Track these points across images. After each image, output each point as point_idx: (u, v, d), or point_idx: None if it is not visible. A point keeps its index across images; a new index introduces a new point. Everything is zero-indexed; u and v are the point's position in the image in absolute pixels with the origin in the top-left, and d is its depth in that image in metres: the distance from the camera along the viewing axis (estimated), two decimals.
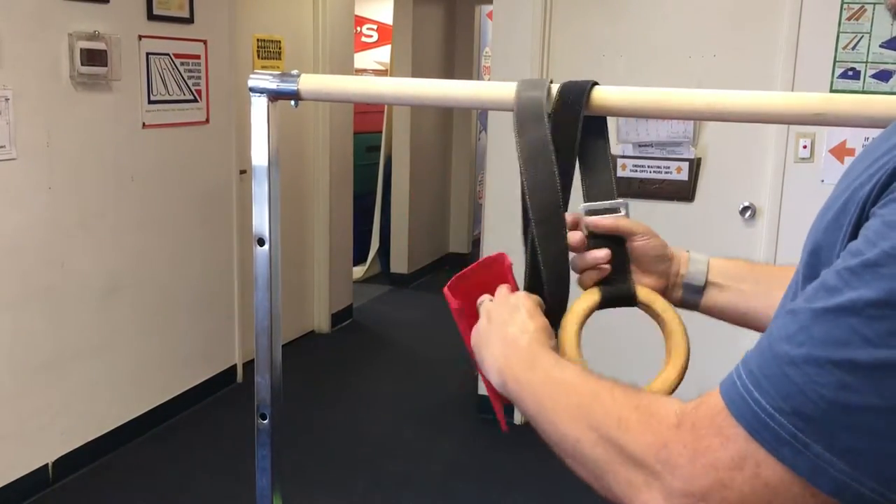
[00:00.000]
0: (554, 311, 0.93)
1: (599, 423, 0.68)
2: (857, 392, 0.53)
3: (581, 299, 0.94)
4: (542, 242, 0.92)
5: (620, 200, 0.94)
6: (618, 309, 0.96)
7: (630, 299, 0.94)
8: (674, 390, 0.90)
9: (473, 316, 0.95)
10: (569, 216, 0.94)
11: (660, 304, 0.94)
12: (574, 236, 0.96)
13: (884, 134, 0.71)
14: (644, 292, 0.94)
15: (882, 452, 0.53)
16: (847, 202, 0.65)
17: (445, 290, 0.98)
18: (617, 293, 0.93)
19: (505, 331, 0.85)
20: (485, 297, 0.95)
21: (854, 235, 0.61)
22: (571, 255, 0.96)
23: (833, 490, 0.55)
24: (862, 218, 0.61)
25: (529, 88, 0.93)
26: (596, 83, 0.92)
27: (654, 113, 0.89)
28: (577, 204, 0.97)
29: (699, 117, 0.93)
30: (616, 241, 0.96)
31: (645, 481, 0.63)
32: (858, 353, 0.54)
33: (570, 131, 0.91)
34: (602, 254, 0.95)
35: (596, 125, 0.94)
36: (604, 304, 0.94)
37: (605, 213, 0.95)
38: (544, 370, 0.78)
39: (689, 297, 1.01)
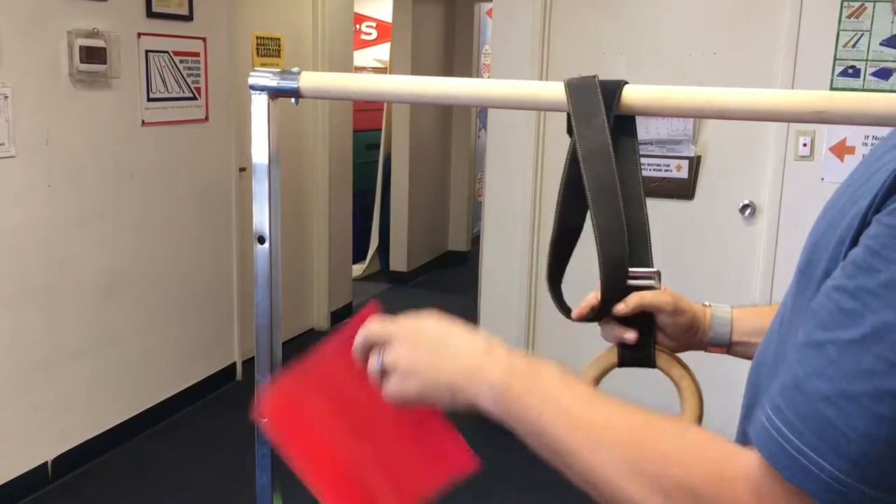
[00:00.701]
0: (609, 298, 0.94)
1: (660, 482, 0.62)
2: (893, 422, 0.52)
3: (601, 358, 0.97)
4: (605, 237, 0.91)
5: (654, 270, 0.95)
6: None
7: (648, 364, 0.96)
8: None
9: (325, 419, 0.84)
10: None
11: (676, 372, 0.95)
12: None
13: (886, 138, 0.71)
14: (663, 360, 0.96)
15: None
16: (845, 207, 0.65)
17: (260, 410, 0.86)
18: (636, 359, 0.95)
19: (454, 354, 0.79)
20: (372, 357, 0.82)
21: (856, 241, 0.60)
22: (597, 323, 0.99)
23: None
24: (865, 222, 0.60)
25: (581, 86, 0.92)
26: (626, 82, 0.92)
27: (654, 111, 0.89)
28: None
29: (699, 115, 0.92)
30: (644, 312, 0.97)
31: None
32: (889, 381, 0.52)
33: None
34: (630, 336, 0.96)
35: (626, 125, 0.93)
36: (622, 364, 0.96)
37: (639, 280, 0.95)
38: (556, 400, 0.71)
39: (716, 350, 1.02)
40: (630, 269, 0.93)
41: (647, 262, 0.94)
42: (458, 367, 0.77)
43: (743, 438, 0.80)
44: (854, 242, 0.60)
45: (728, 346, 1.01)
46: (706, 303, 1.03)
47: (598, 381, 0.98)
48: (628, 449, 0.65)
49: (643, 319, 0.96)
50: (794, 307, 0.71)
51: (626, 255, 0.92)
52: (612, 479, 0.65)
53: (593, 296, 0.97)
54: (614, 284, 0.93)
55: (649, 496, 0.62)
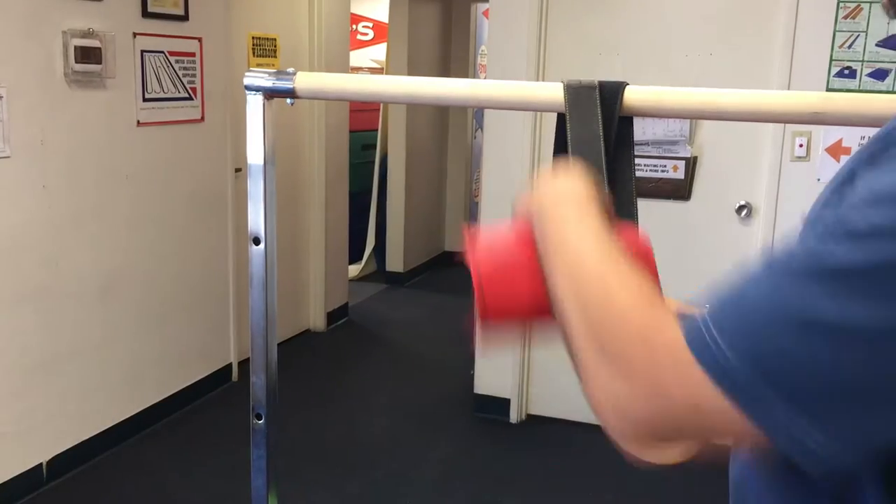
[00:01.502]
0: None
1: (586, 300, 0.69)
2: (802, 341, 0.57)
3: None
4: None
5: None
6: None
7: None
8: (695, 457, 0.94)
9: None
10: None
11: None
12: None
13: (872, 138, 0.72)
14: None
15: (811, 391, 0.57)
16: (837, 179, 0.68)
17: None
18: None
19: (559, 185, 0.83)
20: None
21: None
22: None
23: (760, 420, 0.58)
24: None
25: (579, 85, 0.93)
26: (627, 83, 0.92)
27: (652, 112, 0.89)
28: None
29: (697, 116, 0.92)
30: None
31: (602, 379, 0.66)
32: (815, 309, 0.57)
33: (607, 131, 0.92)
34: None
35: (624, 127, 0.93)
36: None
37: None
38: (576, 215, 0.77)
39: None
40: None
41: None
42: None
43: None
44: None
45: None
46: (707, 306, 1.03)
47: None
48: (588, 288, 0.70)
49: None
50: None
51: None
52: (568, 309, 0.71)
53: None
54: None
55: (585, 337, 0.68)
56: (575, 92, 0.91)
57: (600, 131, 0.90)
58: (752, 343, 0.59)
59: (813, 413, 0.57)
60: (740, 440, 0.64)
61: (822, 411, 0.57)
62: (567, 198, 0.79)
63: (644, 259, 0.81)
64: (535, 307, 0.78)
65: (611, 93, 0.90)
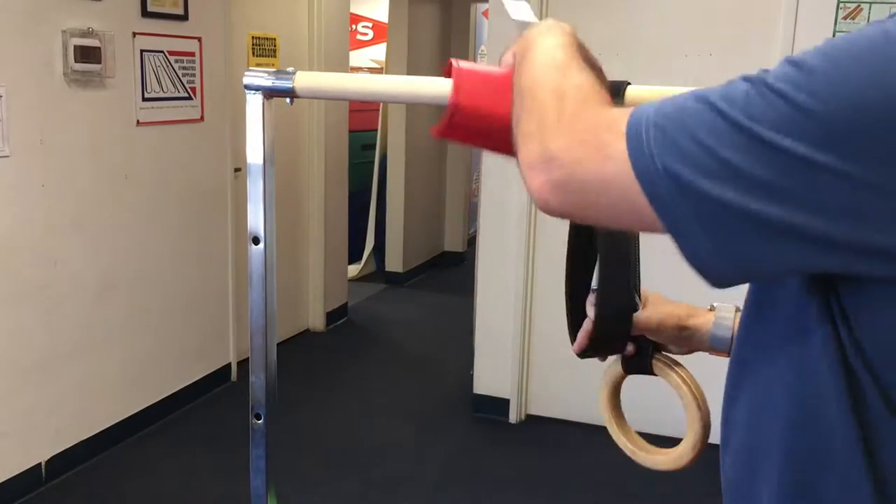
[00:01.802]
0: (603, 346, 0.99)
1: (550, 85, 0.76)
2: (714, 136, 0.62)
3: (610, 371, 1.02)
4: (607, 246, 0.94)
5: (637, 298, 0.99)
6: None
7: (648, 372, 1.00)
8: (688, 465, 0.96)
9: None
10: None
11: (673, 380, 0.98)
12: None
13: None
14: (660, 368, 0.99)
15: (705, 190, 0.62)
16: None
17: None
18: (638, 367, 1.00)
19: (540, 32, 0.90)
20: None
21: None
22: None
23: (651, 194, 0.64)
24: None
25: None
26: (629, 83, 0.93)
27: None
28: None
29: None
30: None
31: (539, 138, 0.72)
32: (736, 114, 0.62)
33: None
34: (628, 349, 1.01)
35: None
36: (627, 373, 1.01)
37: None
38: (544, 36, 0.87)
39: (718, 354, 1.04)
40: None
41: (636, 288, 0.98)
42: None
43: (725, 422, 0.81)
44: None
45: (729, 350, 1.01)
46: (713, 304, 1.04)
47: (616, 392, 1.03)
48: (543, 82, 0.77)
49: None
50: None
51: (634, 304, 0.97)
52: (523, 101, 0.78)
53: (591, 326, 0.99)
54: (612, 335, 0.98)
55: (534, 116, 0.74)
56: None
57: None
58: (674, 145, 0.63)
59: (708, 227, 0.63)
60: (637, 222, 0.69)
61: (716, 228, 0.62)
62: (544, 31, 0.88)
63: None
64: (502, 124, 0.82)
65: (612, 92, 0.90)
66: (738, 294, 0.81)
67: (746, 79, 0.64)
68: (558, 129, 0.70)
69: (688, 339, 1.02)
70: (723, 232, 0.63)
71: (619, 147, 0.66)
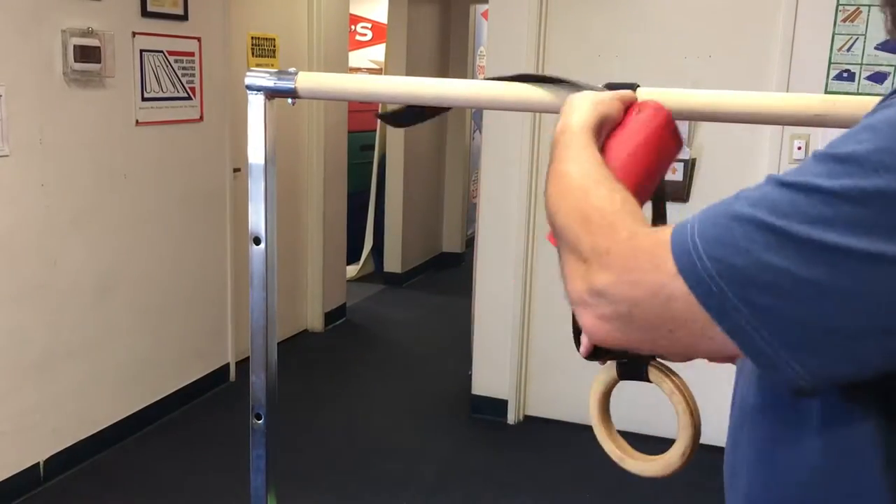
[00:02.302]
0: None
1: (570, 212, 0.74)
2: (780, 256, 0.58)
3: (602, 375, 1.01)
4: None
5: None
6: None
7: (642, 378, 0.99)
8: (676, 472, 0.95)
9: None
10: None
11: (666, 386, 0.97)
12: None
13: None
14: (654, 374, 0.98)
15: (785, 315, 0.59)
16: None
17: None
18: (632, 373, 0.98)
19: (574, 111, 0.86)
20: None
21: None
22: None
23: (730, 330, 0.61)
24: None
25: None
26: (638, 85, 0.92)
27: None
28: None
29: (700, 118, 0.92)
30: None
31: (581, 273, 0.69)
32: (796, 226, 0.58)
33: None
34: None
35: None
36: (621, 378, 1.00)
37: None
38: (566, 151, 0.81)
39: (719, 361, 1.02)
40: None
41: None
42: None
43: (734, 431, 0.80)
44: None
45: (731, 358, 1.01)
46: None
47: (606, 397, 1.02)
48: (573, 201, 0.75)
49: None
50: None
51: None
52: (559, 221, 0.76)
53: None
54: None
55: (564, 217, 0.74)
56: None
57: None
58: (741, 275, 0.60)
59: (785, 341, 0.59)
60: (714, 352, 0.65)
61: (795, 340, 0.59)
62: (567, 128, 0.83)
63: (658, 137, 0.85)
64: None
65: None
66: None
67: (784, 183, 0.61)
68: (598, 263, 0.68)
69: None
70: (813, 352, 0.59)
71: (678, 286, 0.62)
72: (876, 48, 3.19)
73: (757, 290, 0.59)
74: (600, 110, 0.83)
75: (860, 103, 0.81)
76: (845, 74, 3.24)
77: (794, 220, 0.58)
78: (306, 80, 1.02)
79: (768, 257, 0.59)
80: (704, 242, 0.62)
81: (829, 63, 3.25)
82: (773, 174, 0.64)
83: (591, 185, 0.74)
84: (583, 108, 0.84)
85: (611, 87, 0.91)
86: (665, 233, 0.65)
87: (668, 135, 0.84)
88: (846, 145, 0.60)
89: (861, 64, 3.22)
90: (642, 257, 0.66)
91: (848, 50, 3.22)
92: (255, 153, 1.06)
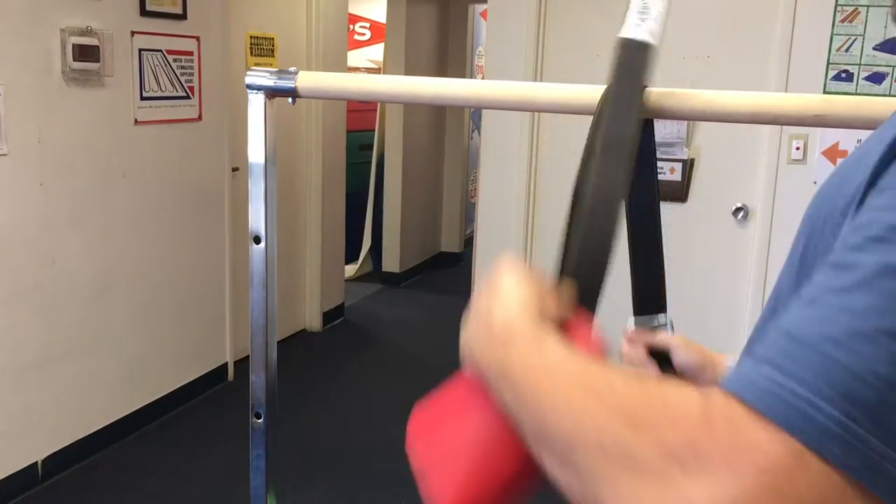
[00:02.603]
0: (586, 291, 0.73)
1: (598, 422, 0.51)
2: None
3: None
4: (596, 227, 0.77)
5: (663, 318, 1.00)
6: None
7: None
8: None
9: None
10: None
11: None
12: (630, 351, 1.03)
13: (876, 133, 0.70)
14: None
15: None
16: (843, 183, 0.60)
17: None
18: None
19: (488, 313, 0.67)
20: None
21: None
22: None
23: (892, 491, 0.43)
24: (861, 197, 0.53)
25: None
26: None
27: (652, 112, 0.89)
28: None
29: (700, 118, 0.92)
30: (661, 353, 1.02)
31: (658, 493, 0.46)
32: None
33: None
34: (652, 371, 1.01)
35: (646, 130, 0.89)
36: None
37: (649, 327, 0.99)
38: (521, 353, 0.60)
39: None
40: (640, 317, 0.96)
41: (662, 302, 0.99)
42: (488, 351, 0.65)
43: None
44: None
45: None
46: (728, 354, 1.04)
47: None
48: (597, 395, 0.53)
49: (662, 357, 1.02)
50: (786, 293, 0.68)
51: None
52: (569, 415, 0.53)
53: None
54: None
55: (574, 433, 0.52)
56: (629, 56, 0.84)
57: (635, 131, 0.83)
58: (844, 384, 0.44)
59: None
60: None
61: None
62: (509, 326, 0.63)
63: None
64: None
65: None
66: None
67: (868, 280, 0.46)
68: (684, 465, 0.46)
69: (709, 377, 1.02)
70: None
71: (817, 471, 0.43)
72: (874, 49, 3.20)
73: None
74: (535, 302, 0.64)
75: (860, 104, 0.81)
76: (843, 75, 3.24)
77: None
78: (307, 80, 1.02)
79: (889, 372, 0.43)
80: (808, 386, 0.44)
81: (828, 63, 3.26)
82: (799, 297, 0.49)
83: (600, 377, 0.53)
84: (514, 294, 0.66)
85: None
86: (728, 397, 0.47)
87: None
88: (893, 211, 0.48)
89: (859, 64, 3.22)
90: (747, 431, 0.45)
91: (846, 50, 3.23)
92: (256, 152, 1.06)
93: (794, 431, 0.44)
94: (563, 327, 0.64)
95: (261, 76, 1.03)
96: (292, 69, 1.03)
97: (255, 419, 1.13)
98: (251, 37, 4.40)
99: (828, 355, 0.45)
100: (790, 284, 0.68)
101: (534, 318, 0.63)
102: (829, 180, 0.69)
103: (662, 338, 1.01)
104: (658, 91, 0.86)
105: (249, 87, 1.04)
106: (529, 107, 0.98)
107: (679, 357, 1.01)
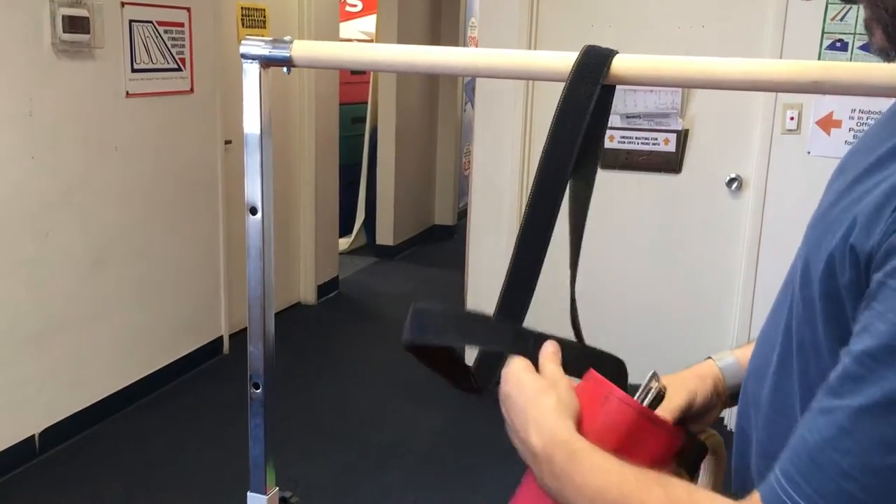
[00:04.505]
0: (510, 302, 0.85)
1: None
2: None
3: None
4: (528, 211, 0.83)
5: (649, 379, 0.82)
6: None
7: (704, 453, 0.89)
8: None
9: None
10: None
11: (722, 451, 0.93)
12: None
13: (879, 129, 0.70)
14: (712, 442, 0.91)
15: None
16: (837, 220, 0.64)
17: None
18: (693, 458, 0.87)
19: (526, 440, 0.78)
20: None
21: (855, 282, 0.59)
22: None
23: None
24: (860, 264, 0.59)
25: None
26: (616, 52, 0.86)
27: (651, 80, 0.89)
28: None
29: (693, 85, 0.92)
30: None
31: None
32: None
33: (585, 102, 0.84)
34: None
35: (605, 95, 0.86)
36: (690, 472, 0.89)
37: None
38: (561, 475, 0.73)
39: (736, 402, 0.96)
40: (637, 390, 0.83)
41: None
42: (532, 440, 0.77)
43: (738, 457, 0.81)
44: (855, 285, 0.59)
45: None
46: (709, 356, 1.00)
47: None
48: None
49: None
50: (786, 321, 0.72)
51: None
52: None
53: None
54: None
55: None
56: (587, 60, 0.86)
57: (591, 105, 0.84)
58: None
59: None
60: None
61: None
62: (554, 441, 0.74)
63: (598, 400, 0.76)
64: None
65: (596, 62, 0.85)
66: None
67: (866, 409, 0.54)
68: None
69: (719, 403, 0.97)
70: None
71: None
72: (860, 49, 3.18)
73: None
74: (566, 405, 0.75)
75: (858, 70, 0.81)
76: (838, 44, 3.23)
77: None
78: (302, 49, 1.01)
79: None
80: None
81: (823, 32, 3.25)
82: (819, 398, 0.58)
83: (635, 493, 0.66)
84: (551, 411, 0.75)
85: (591, 50, 0.87)
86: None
87: (648, 427, 0.75)
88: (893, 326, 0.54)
89: (854, 33, 3.21)
90: None
91: (841, 19, 3.21)
92: (251, 123, 1.06)
93: None
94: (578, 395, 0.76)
95: (255, 45, 1.02)
96: (287, 38, 1.03)
97: (253, 389, 1.13)
98: (242, 7, 4.35)
99: (846, 491, 0.53)
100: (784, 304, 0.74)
101: (558, 435, 0.73)
102: (824, 198, 0.73)
103: (673, 407, 0.92)
104: (650, 58, 0.86)
105: (244, 56, 1.03)
106: (525, 74, 0.97)
107: (694, 413, 0.94)
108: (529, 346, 0.83)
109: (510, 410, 0.80)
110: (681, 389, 0.92)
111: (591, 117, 0.83)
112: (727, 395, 0.96)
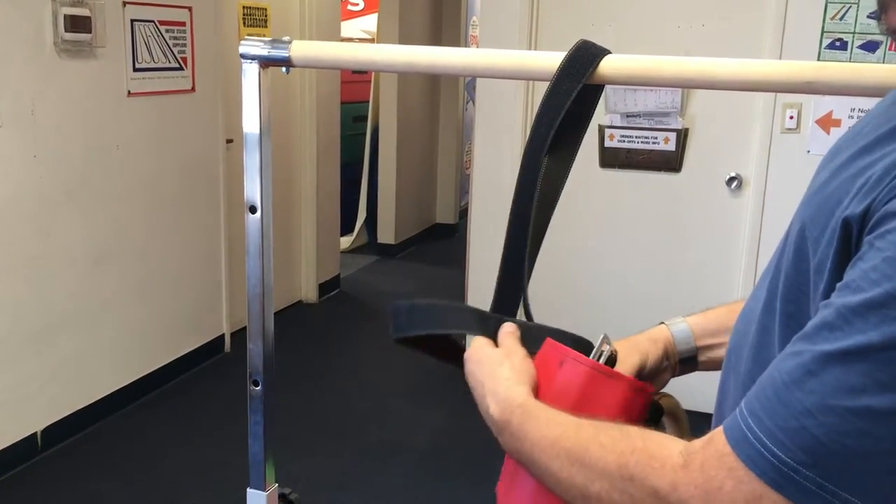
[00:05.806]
0: (505, 293, 0.93)
1: (601, 475, 0.67)
2: (879, 439, 0.54)
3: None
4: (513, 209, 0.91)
5: (601, 342, 0.86)
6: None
7: (660, 414, 0.93)
8: None
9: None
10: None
11: (681, 413, 0.95)
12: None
13: (877, 114, 0.71)
14: (667, 403, 0.94)
15: None
16: (834, 193, 0.64)
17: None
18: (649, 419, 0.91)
19: (486, 410, 0.83)
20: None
21: (842, 252, 0.61)
22: None
23: None
24: (852, 234, 0.60)
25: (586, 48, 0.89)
26: (608, 51, 0.88)
27: (640, 80, 0.90)
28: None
29: (690, 85, 0.93)
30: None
31: None
32: (875, 399, 0.54)
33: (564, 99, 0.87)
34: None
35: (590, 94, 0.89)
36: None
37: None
38: (516, 437, 0.78)
39: (687, 368, 1.00)
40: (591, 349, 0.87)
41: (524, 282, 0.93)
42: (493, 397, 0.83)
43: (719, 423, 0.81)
44: (842, 253, 0.61)
45: (696, 355, 0.99)
46: (661, 322, 1.01)
47: None
48: (573, 451, 0.70)
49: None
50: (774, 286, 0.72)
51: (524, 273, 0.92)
52: (566, 480, 0.71)
53: None
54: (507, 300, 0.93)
55: (593, 482, 0.68)
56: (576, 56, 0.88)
57: (574, 92, 0.86)
58: (803, 440, 0.56)
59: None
60: None
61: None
62: (510, 404, 0.78)
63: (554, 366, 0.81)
64: None
65: (587, 59, 0.87)
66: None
67: (836, 355, 0.56)
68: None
69: (669, 366, 0.99)
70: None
71: (750, 480, 0.58)
72: (869, 17, 3.19)
73: (872, 482, 0.55)
74: (520, 371, 0.81)
75: (851, 70, 0.82)
76: (838, 43, 3.23)
77: (868, 393, 0.54)
78: (301, 49, 1.02)
79: (868, 444, 0.55)
80: (788, 452, 0.57)
81: (822, 32, 3.25)
82: (793, 342, 0.60)
83: (592, 437, 0.70)
84: (505, 379, 0.80)
85: (583, 46, 0.88)
86: (720, 443, 0.61)
87: (603, 381, 0.80)
88: (876, 286, 0.56)
89: (854, 32, 3.22)
90: (718, 477, 0.60)
91: (841, 18, 3.22)
92: (250, 122, 1.07)
93: (764, 479, 0.57)
94: (535, 365, 0.82)
95: (255, 45, 1.03)
96: (286, 38, 1.04)
97: (253, 387, 1.14)
98: (243, 7, 4.36)
99: (805, 427, 0.56)
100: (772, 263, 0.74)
101: (513, 400, 0.78)
102: (816, 175, 0.73)
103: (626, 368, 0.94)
104: (646, 58, 0.87)
105: (243, 56, 1.04)
106: (525, 75, 0.98)
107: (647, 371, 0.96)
108: (491, 327, 0.89)
109: (473, 386, 0.85)
110: (633, 352, 0.94)
111: (568, 114, 0.86)
112: (677, 359, 0.99)
